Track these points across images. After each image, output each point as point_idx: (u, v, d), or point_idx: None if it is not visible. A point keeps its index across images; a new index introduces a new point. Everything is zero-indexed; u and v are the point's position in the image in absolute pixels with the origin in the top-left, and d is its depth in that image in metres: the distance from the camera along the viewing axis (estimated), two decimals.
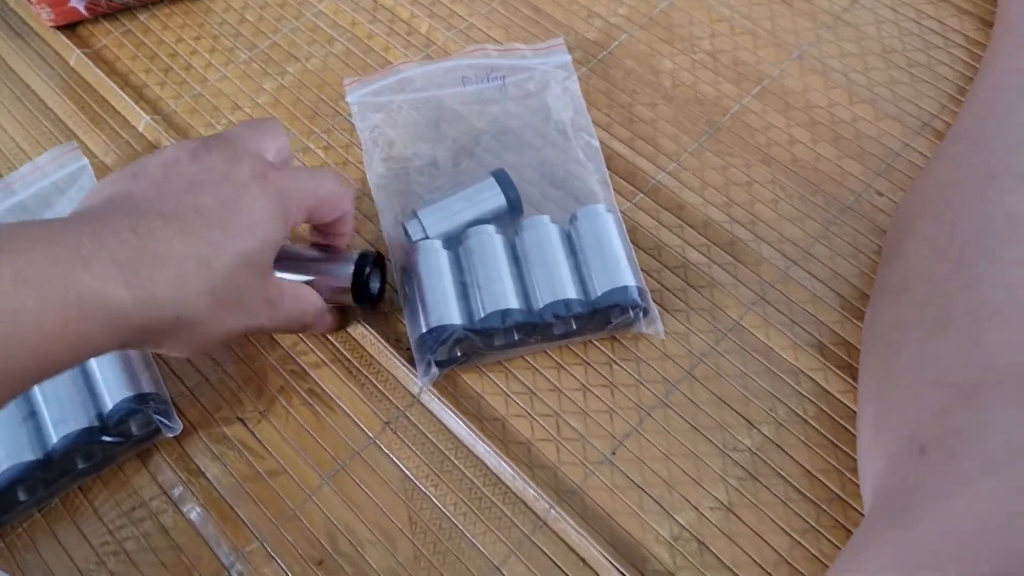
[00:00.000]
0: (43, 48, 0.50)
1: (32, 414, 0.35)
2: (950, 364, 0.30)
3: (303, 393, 0.38)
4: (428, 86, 0.44)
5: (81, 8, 0.49)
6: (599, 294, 0.37)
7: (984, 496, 0.25)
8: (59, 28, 0.50)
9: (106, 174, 0.44)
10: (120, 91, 0.47)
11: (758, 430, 0.36)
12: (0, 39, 0.50)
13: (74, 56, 0.49)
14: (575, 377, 0.37)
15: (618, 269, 0.37)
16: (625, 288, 0.37)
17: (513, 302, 0.37)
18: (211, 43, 0.49)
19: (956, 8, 0.47)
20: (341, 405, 0.37)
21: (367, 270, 0.37)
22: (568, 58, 0.44)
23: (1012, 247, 0.32)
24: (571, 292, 0.37)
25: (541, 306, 0.37)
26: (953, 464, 0.27)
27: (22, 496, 0.35)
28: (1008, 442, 0.26)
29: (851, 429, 0.35)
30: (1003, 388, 0.28)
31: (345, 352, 0.39)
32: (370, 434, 0.37)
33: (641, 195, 0.41)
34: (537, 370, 0.37)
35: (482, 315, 0.37)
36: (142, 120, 0.46)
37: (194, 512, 0.35)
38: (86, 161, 0.43)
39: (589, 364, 0.37)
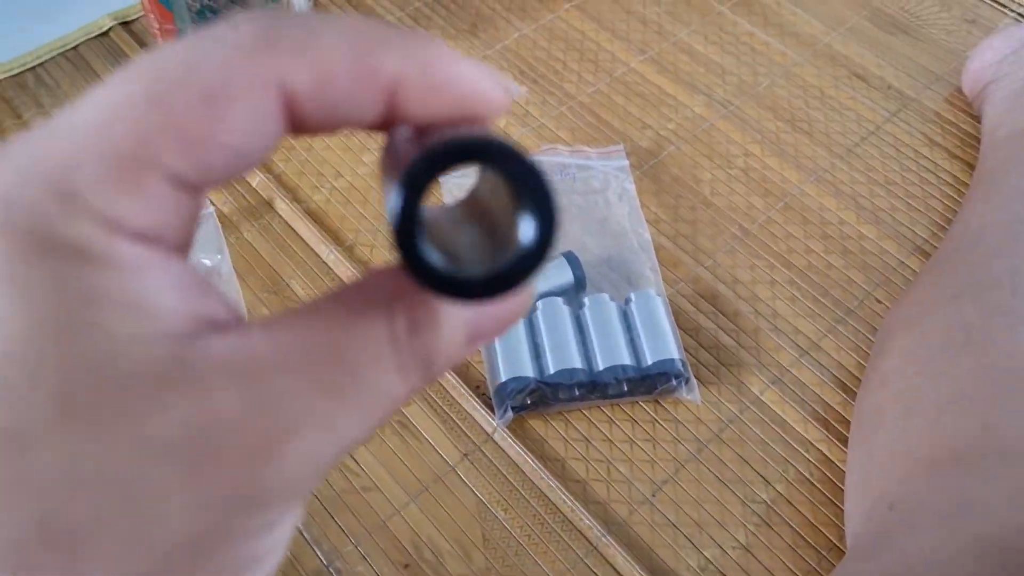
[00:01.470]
0: None
1: None
2: (917, 442, 0.39)
3: (394, 424, 0.45)
4: None
5: None
6: (649, 363, 0.45)
7: (932, 540, 0.33)
8: None
9: (226, 224, 0.51)
10: None
11: (773, 486, 0.43)
12: None
13: None
14: (623, 430, 0.45)
15: (666, 344, 0.45)
16: (672, 360, 0.45)
17: (577, 363, 0.44)
18: None
19: (948, 152, 0.56)
20: (426, 437, 0.44)
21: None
22: (626, 162, 0.53)
23: (966, 355, 0.40)
24: (626, 359, 0.45)
25: (600, 369, 0.45)
26: (912, 517, 0.35)
27: None
28: (956, 502, 0.34)
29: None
30: (957, 462, 0.37)
31: (432, 393, 0.46)
32: (450, 463, 0.44)
33: (683, 283, 0.50)
34: (592, 422, 0.45)
35: (551, 372, 0.44)
36: (256, 176, 0.53)
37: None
38: (212, 209, 0.50)
39: (635, 421, 0.45)
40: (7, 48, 0.58)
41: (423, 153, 0.15)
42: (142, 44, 0.60)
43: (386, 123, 0.16)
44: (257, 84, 0.15)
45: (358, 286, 0.16)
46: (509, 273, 0.15)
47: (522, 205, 0.15)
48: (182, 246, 0.16)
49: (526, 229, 0.15)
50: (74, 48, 0.60)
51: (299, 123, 0.16)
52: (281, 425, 0.14)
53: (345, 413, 0.15)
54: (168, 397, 0.13)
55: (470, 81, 0.17)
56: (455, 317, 0.17)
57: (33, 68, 0.59)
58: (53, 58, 0.59)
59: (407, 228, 0.15)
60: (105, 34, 0.61)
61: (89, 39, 0.60)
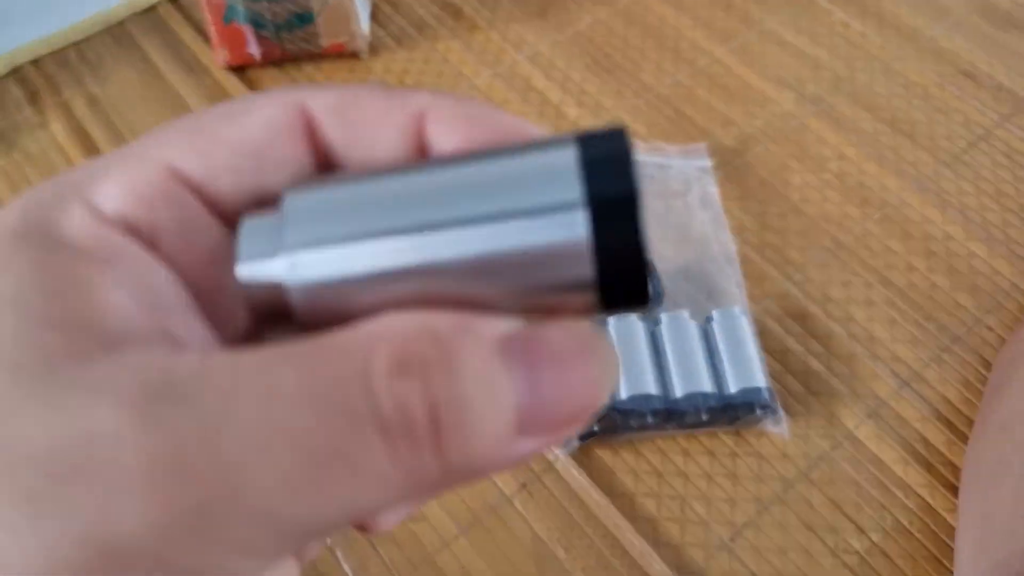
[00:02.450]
0: (215, 87, 0.54)
1: None
2: None
3: None
4: None
5: (256, 54, 0.53)
6: (732, 391, 0.40)
7: None
8: (231, 70, 0.54)
9: None
10: None
11: (867, 536, 0.38)
12: (175, 74, 0.54)
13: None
14: (700, 465, 0.40)
15: (752, 370, 0.40)
16: (758, 389, 0.40)
17: (652, 388, 0.40)
18: None
19: None
20: None
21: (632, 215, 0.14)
22: (709, 162, 0.48)
23: None
24: (706, 386, 0.40)
25: (677, 395, 0.40)
26: None
27: None
28: None
29: (951, 545, 0.38)
30: None
31: None
32: (506, 493, 0.39)
33: (769, 300, 0.45)
34: (665, 454, 0.40)
35: (622, 397, 0.40)
36: None
37: (338, 550, 0.38)
38: None
39: (714, 454, 0.40)
40: (49, 22, 0.55)
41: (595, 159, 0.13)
42: (190, 20, 0.57)
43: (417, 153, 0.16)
44: (274, 102, 0.16)
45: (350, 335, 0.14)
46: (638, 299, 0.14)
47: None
48: (183, 252, 0.16)
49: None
50: (119, 23, 0.57)
51: (325, 146, 0.17)
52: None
53: (300, 485, 0.13)
54: (46, 398, 0.13)
55: (498, 112, 0.16)
56: (498, 394, 0.14)
57: (76, 44, 0.56)
58: (97, 33, 0.56)
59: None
60: (152, 9, 0.57)
61: (135, 14, 0.57)
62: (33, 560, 0.12)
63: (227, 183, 0.16)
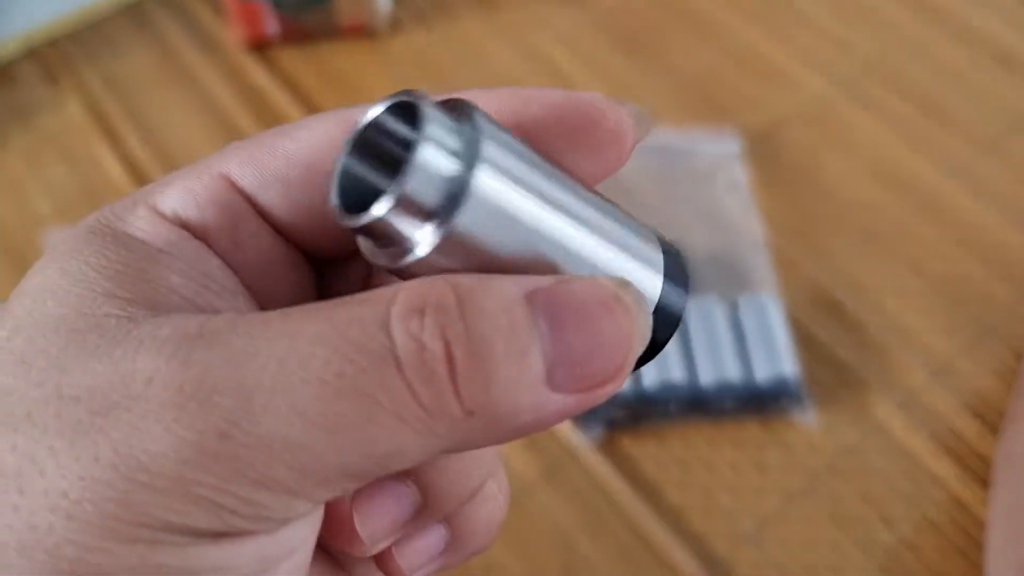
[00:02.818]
0: (230, 66, 0.53)
1: None
2: None
3: None
4: None
5: (273, 32, 0.52)
6: (760, 379, 0.39)
7: None
8: (249, 49, 0.53)
9: None
10: (301, 115, 0.50)
11: (895, 529, 0.38)
12: (192, 53, 0.54)
13: (261, 76, 0.52)
14: (725, 453, 0.39)
15: (780, 358, 0.39)
16: (786, 378, 0.39)
17: (678, 375, 0.39)
18: (392, 83, 0.52)
19: None
20: (502, 449, 0.40)
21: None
22: (738, 147, 0.47)
23: None
24: (733, 374, 0.39)
25: (702, 382, 0.39)
26: None
27: None
28: None
29: (981, 539, 0.37)
30: None
31: None
32: (527, 481, 0.39)
33: (798, 288, 0.44)
34: (690, 442, 0.40)
35: (647, 384, 0.39)
36: None
37: None
38: None
39: (740, 443, 0.40)
40: (65, 1, 0.54)
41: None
42: (211, 1, 0.56)
43: None
44: (333, 119, 0.18)
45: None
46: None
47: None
48: (232, 251, 0.17)
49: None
50: (136, 2, 0.56)
51: None
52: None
53: (325, 436, 0.14)
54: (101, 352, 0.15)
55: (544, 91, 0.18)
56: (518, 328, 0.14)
57: (93, 23, 0.55)
58: (114, 12, 0.55)
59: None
60: None
61: None
62: (70, 479, 0.13)
63: (276, 193, 0.17)
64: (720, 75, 0.52)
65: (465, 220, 0.15)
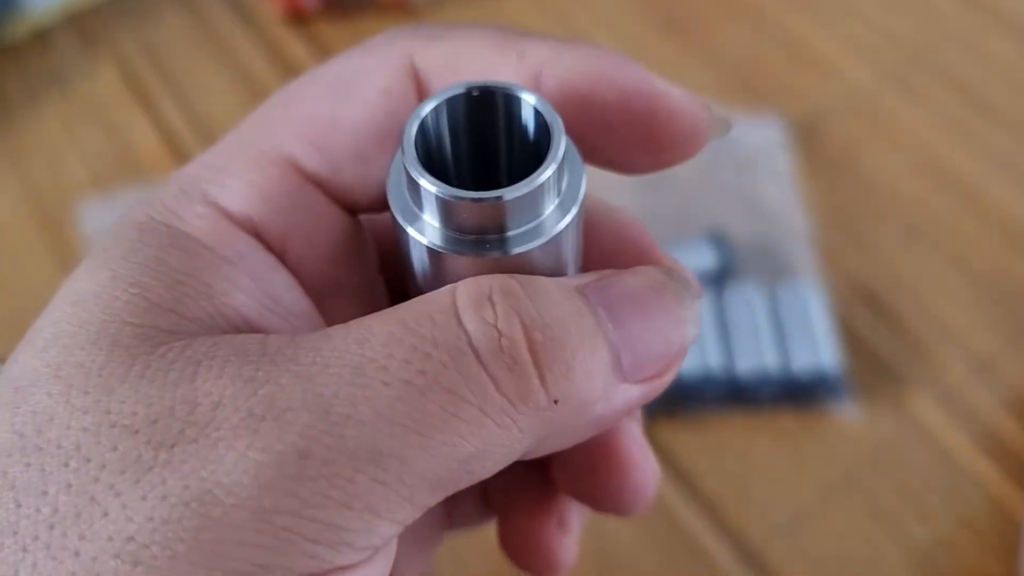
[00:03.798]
0: (268, 38, 0.53)
1: None
2: None
3: None
4: None
5: (312, 6, 0.52)
6: (798, 369, 0.39)
7: None
8: (288, 22, 0.53)
9: None
10: None
11: (932, 528, 0.37)
12: (230, 24, 0.53)
13: (299, 50, 0.52)
14: (761, 444, 0.39)
15: (819, 349, 0.39)
16: (825, 369, 0.39)
17: (714, 363, 0.39)
18: None
19: None
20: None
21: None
22: (780, 135, 0.46)
23: None
24: (772, 363, 0.39)
25: (740, 371, 0.39)
26: None
27: None
28: None
29: (1018, 540, 0.37)
30: None
31: None
32: None
33: (838, 279, 0.43)
34: (725, 430, 0.39)
35: (683, 371, 0.38)
36: None
37: None
38: None
39: (777, 434, 0.39)
40: None
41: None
42: None
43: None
44: (383, 67, 0.16)
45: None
46: None
47: None
48: (308, 255, 0.16)
49: None
50: None
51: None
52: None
53: (409, 443, 0.13)
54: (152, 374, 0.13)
55: (620, 65, 0.17)
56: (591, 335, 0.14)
57: None
58: None
59: None
60: None
61: None
62: (138, 521, 0.12)
63: (352, 174, 0.16)
64: (763, 61, 0.51)
65: (573, 219, 0.15)
